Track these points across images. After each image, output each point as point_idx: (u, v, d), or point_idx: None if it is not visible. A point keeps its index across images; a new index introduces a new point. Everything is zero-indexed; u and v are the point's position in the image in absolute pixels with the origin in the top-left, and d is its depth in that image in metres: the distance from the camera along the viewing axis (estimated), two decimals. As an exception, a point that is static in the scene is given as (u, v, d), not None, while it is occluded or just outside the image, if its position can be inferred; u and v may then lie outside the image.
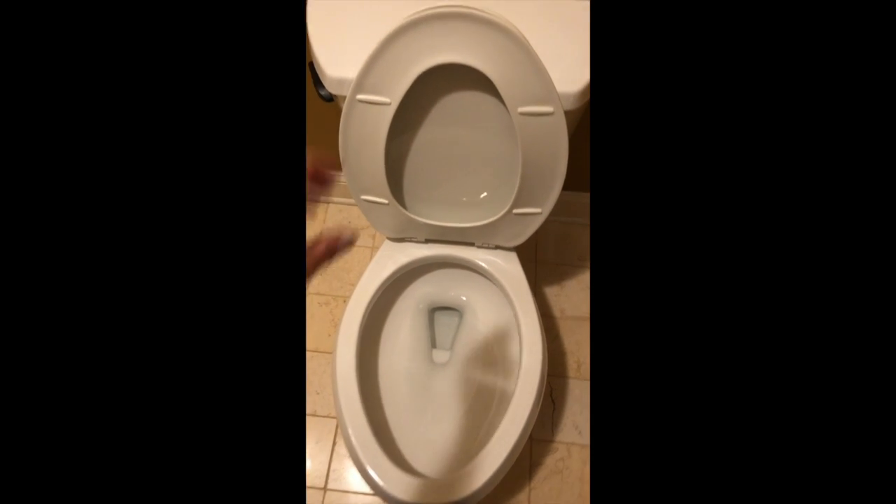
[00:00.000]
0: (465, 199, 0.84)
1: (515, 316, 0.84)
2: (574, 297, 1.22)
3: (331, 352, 0.84)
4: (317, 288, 1.21)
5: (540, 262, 1.26)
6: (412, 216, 0.81)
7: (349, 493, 1.03)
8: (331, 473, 1.05)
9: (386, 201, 0.78)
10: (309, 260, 0.32)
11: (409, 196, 0.83)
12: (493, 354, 0.93)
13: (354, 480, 1.04)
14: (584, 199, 1.21)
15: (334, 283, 1.23)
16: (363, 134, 0.68)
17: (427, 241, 0.88)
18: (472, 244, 0.88)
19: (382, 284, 0.86)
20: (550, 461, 1.07)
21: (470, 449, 0.83)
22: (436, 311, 1.03)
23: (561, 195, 0.75)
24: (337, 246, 0.36)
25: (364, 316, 0.83)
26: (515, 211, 0.78)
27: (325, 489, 1.04)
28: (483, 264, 0.87)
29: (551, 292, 1.23)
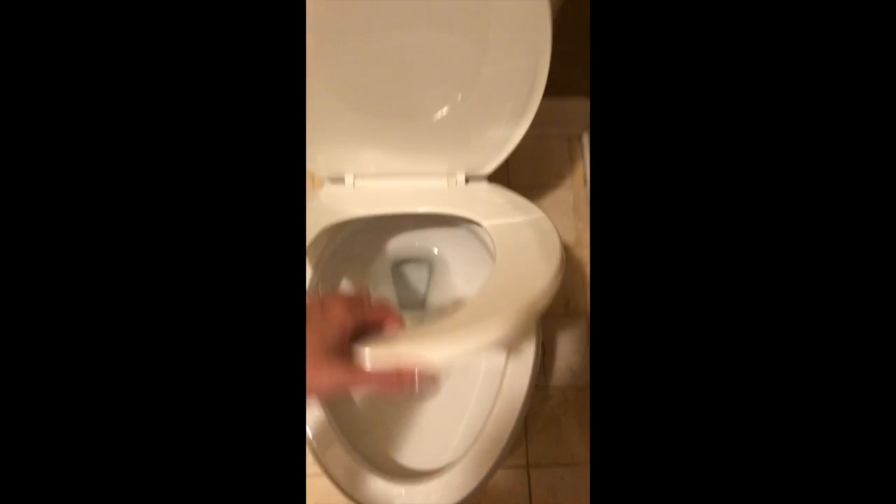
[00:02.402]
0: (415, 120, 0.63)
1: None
2: (555, 223, 1.06)
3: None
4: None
5: (514, 187, 1.08)
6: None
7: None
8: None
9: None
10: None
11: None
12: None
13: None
14: (560, 105, 1.01)
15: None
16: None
17: (377, 175, 0.67)
18: (433, 175, 0.67)
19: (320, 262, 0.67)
20: (546, 409, 0.97)
21: (458, 433, 0.70)
22: (400, 265, 0.86)
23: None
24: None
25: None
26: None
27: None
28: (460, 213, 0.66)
29: (530, 220, 1.07)
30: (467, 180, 0.67)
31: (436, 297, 0.82)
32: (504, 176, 1.09)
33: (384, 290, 0.81)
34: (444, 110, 0.60)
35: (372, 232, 0.77)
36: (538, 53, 0.53)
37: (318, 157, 0.64)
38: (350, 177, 0.66)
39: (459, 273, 0.78)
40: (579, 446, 0.94)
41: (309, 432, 0.59)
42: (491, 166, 0.66)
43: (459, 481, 0.58)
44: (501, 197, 0.66)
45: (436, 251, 0.80)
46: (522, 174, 1.09)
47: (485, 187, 0.67)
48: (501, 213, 0.63)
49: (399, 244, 0.80)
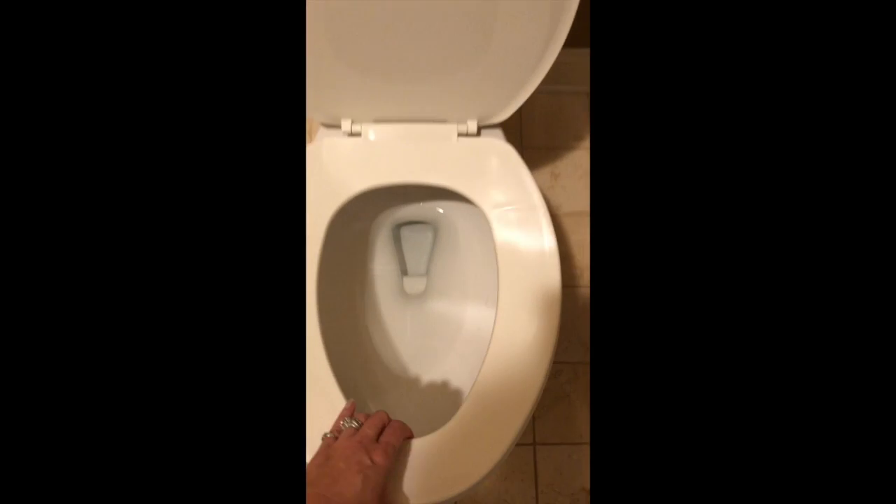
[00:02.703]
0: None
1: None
2: (571, 188, 0.99)
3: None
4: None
5: (527, 148, 1.00)
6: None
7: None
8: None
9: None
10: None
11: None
12: (481, 279, 0.71)
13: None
14: (580, 56, 0.92)
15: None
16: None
17: (378, 120, 0.60)
18: (441, 121, 0.60)
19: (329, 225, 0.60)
20: (555, 385, 0.91)
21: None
22: (402, 227, 0.79)
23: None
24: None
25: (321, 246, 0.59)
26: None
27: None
28: (463, 191, 0.59)
29: (543, 185, 0.99)
30: (479, 130, 0.60)
31: (439, 263, 0.75)
32: (517, 136, 1.01)
33: (385, 254, 0.75)
34: (456, 52, 0.52)
35: (373, 191, 0.70)
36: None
37: (313, 99, 0.57)
38: (347, 122, 0.58)
39: (466, 235, 0.72)
40: (587, 425, 0.89)
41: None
42: (504, 114, 0.58)
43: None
44: (514, 179, 0.58)
45: (441, 211, 0.73)
46: (536, 134, 1.01)
47: (498, 148, 0.60)
48: (511, 220, 0.57)
49: (402, 204, 0.73)
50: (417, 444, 0.47)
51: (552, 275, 0.54)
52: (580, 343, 0.93)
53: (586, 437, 0.89)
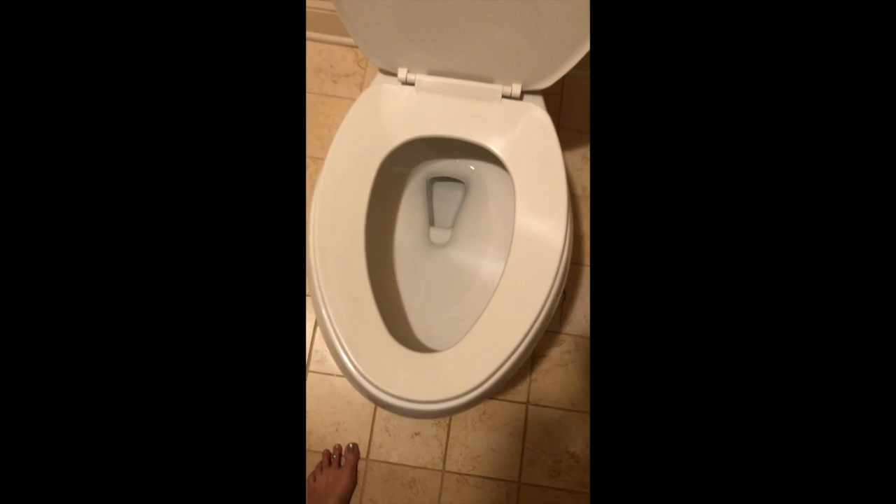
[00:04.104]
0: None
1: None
2: (599, 172, 1.03)
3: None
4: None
5: (564, 128, 1.05)
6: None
7: (332, 377, 0.94)
8: (313, 355, 0.95)
9: None
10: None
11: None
12: (501, 237, 0.77)
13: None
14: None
15: (314, 142, 1.03)
16: None
17: (431, 73, 0.65)
18: (489, 80, 0.65)
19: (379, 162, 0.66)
20: (556, 353, 0.97)
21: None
22: (435, 181, 0.85)
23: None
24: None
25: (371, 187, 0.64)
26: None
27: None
28: (497, 151, 0.65)
29: (573, 165, 1.04)
30: (522, 95, 0.65)
31: (465, 218, 0.81)
32: (556, 115, 1.05)
33: (417, 203, 0.81)
34: (510, 13, 0.57)
35: (418, 140, 0.76)
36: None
37: (375, 48, 0.62)
38: (403, 71, 0.64)
39: (494, 195, 0.77)
40: (581, 395, 0.95)
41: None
42: (547, 82, 0.63)
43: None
44: (543, 151, 0.64)
45: (473, 168, 0.78)
46: (574, 117, 1.05)
47: (534, 114, 0.65)
48: (537, 194, 0.63)
49: (439, 158, 0.78)
50: (426, 359, 0.54)
51: (554, 251, 0.60)
52: (584, 317, 0.98)
53: (578, 406, 0.94)
